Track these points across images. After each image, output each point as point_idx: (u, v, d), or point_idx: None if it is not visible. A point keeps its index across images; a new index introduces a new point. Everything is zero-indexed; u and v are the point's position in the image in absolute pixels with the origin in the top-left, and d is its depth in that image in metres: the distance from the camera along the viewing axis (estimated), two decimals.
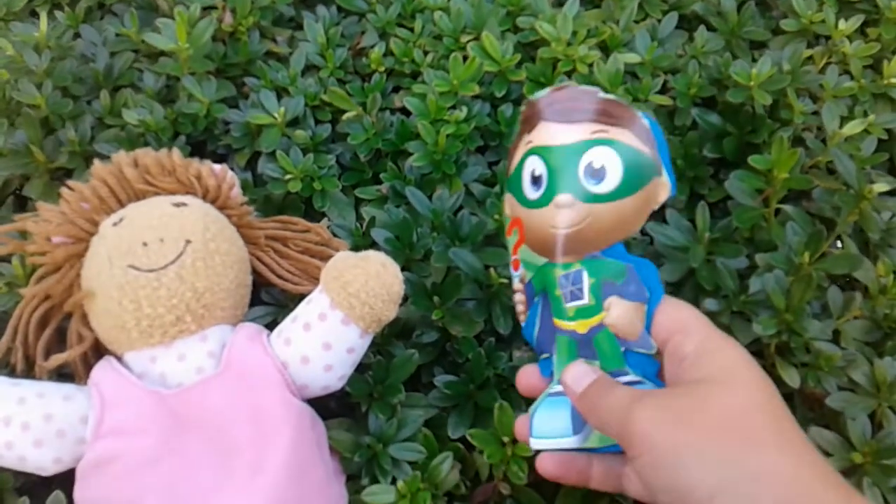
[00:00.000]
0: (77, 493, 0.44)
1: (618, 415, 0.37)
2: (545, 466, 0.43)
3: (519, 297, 0.47)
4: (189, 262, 0.46)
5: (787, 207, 0.58)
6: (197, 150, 0.64)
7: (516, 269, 0.46)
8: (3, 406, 0.43)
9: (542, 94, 0.44)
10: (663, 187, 0.43)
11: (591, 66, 0.64)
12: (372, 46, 0.71)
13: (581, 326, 0.43)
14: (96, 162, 0.51)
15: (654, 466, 0.35)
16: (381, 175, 0.63)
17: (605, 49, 0.68)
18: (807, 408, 0.55)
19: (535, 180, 0.43)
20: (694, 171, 0.62)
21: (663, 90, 0.65)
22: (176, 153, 0.52)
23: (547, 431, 0.42)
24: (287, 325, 0.48)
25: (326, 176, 0.62)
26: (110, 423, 0.44)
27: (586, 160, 0.42)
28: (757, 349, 0.54)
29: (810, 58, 0.69)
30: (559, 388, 0.42)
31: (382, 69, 0.70)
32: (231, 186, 0.53)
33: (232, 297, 0.48)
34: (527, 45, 0.70)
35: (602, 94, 0.43)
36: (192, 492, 0.43)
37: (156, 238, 0.47)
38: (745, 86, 0.62)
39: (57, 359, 0.47)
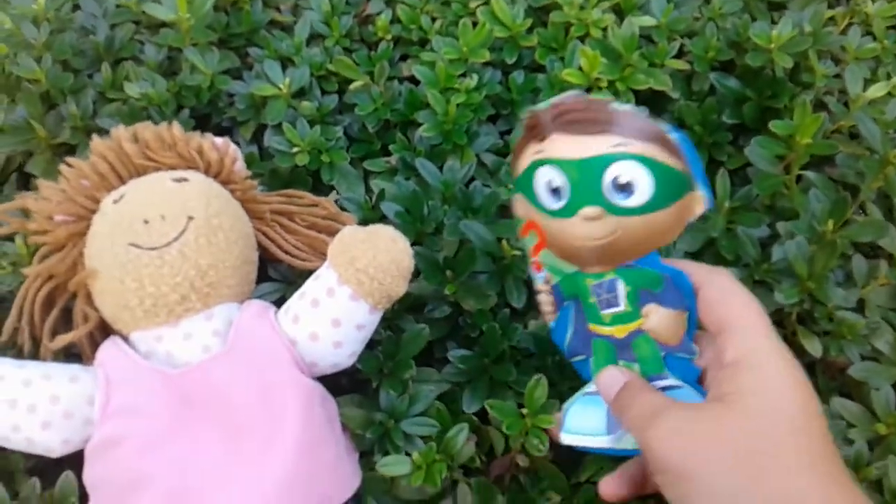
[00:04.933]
0: (86, 473, 0.43)
1: (638, 424, 0.36)
2: (608, 490, 0.42)
3: (545, 298, 0.45)
4: (192, 239, 0.45)
5: (810, 174, 0.56)
6: (201, 123, 0.63)
7: (539, 270, 0.44)
8: (8, 389, 0.43)
9: (546, 105, 0.41)
10: (698, 201, 0.40)
11: (604, 29, 0.62)
12: (378, 13, 0.69)
13: (619, 332, 0.42)
14: (95, 137, 0.50)
15: (666, 487, 0.35)
16: (391, 146, 0.62)
17: (620, 12, 0.66)
18: (829, 377, 0.54)
19: (555, 191, 0.40)
20: (712, 138, 0.60)
21: (680, 54, 0.63)
22: (176, 127, 0.51)
23: (580, 427, 0.41)
24: (295, 301, 0.47)
25: (334, 148, 0.60)
26: (117, 404, 0.43)
27: (611, 174, 0.39)
28: (778, 318, 0.53)
29: (832, 18, 0.66)
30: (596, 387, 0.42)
31: (389, 37, 0.68)
32: (233, 160, 0.52)
33: (237, 274, 0.47)
34: (538, 9, 0.68)
35: (617, 106, 0.40)
36: (201, 471, 0.42)
37: (157, 215, 0.45)
38: (765, 48, 0.60)
39: (62, 339, 0.47)
